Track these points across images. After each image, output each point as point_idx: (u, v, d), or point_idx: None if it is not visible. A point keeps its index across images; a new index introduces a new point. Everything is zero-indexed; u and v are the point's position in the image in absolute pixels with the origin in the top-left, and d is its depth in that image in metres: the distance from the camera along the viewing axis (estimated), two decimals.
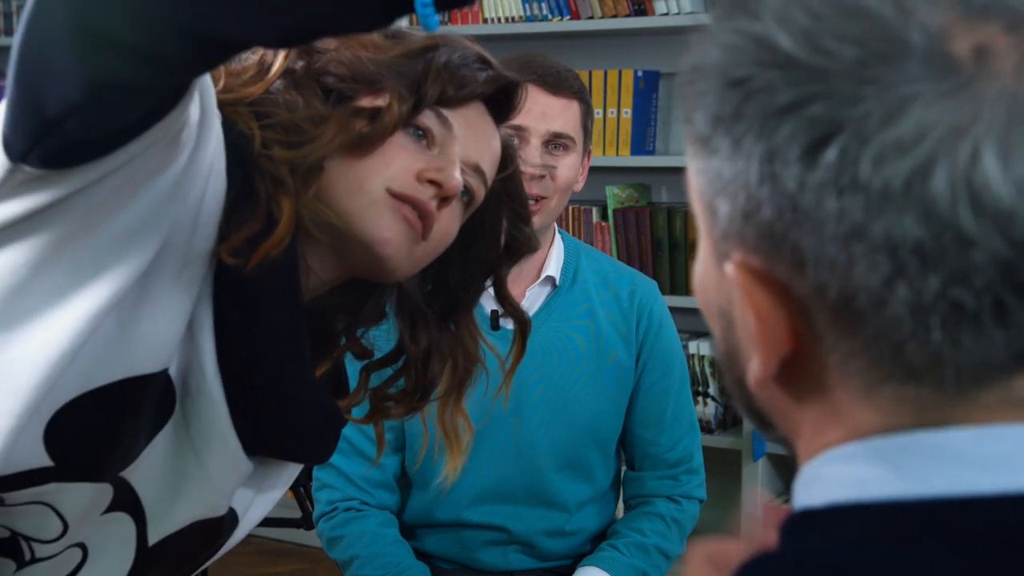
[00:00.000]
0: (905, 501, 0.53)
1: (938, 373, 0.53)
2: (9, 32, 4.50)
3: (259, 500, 1.24)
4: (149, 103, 0.85)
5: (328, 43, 1.13)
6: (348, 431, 1.99)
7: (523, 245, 1.27)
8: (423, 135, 1.11)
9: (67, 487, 1.04)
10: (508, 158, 1.23)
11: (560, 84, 1.98)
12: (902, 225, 0.50)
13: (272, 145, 1.05)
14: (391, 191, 1.08)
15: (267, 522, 3.00)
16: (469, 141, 1.14)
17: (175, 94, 0.87)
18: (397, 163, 1.08)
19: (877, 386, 0.55)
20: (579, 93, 2.01)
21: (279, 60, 1.10)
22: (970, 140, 0.50)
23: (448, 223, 1.13)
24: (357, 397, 1.24)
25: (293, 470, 1.26)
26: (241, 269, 1.00)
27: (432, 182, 1.09)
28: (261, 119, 1.06)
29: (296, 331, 1.08)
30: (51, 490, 1.04)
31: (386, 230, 1.08)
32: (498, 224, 1.24)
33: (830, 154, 0.52)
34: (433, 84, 1.11)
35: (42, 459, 1.00)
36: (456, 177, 1.11)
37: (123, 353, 0.99)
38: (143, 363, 1.00)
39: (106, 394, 0.99)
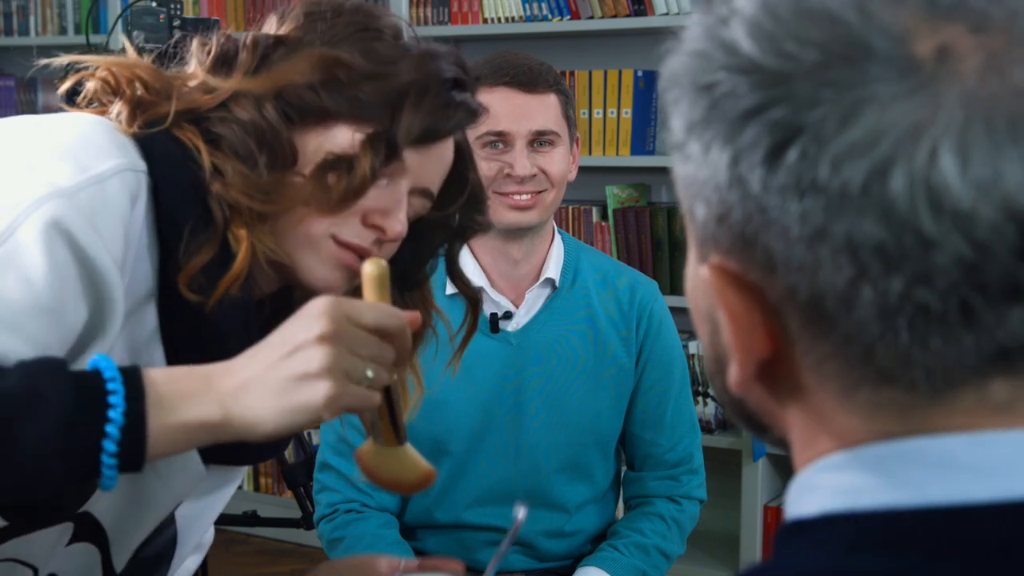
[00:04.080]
0: (898, 510, 0.53)
1: (909, 375, 0.53)
2: (9, 32, 4.50)
3: (211, 503, 1.24)
4: None
5: (288, 30, 1.10)
6: (348, 433, 1.99)
7: (472, 232, 1.25)
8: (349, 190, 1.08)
9: (27, 538, 1.04)
10: (463, 159, 1.20)
11: (535, 81, 1.96)
12: (862, 226, 0.51)
13: (235, 193, 1.03)
14: (337, 239, 1.07)
15: (267, 522, 3.00)
16: (422, 170, 1.12)
17: None
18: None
19: (853, 389, 0.55)
20: (555, 85, 2.00)
21: (237, 74, 1.08)
22: (928, 140, 0.50)
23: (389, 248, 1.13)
24: None
25: (242, 469, 1.26)
26: (197, 304, 0.99)
27: (376, 226, 1.08)
28: (217, 148, 1.04)
29: (247, 342, 1.05)
30: (12, 545, 1.03)
31: (327, 277, 1.08)
32: (451, 214, 1.22)
33: (791, 157, 0.52)
34: (407, 134, 1.08)
35: None
36: (400, 222, 1.10)
37: None
38: None
39: None
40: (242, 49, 1.09)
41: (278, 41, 1.10)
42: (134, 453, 0.90)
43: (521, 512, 1.29)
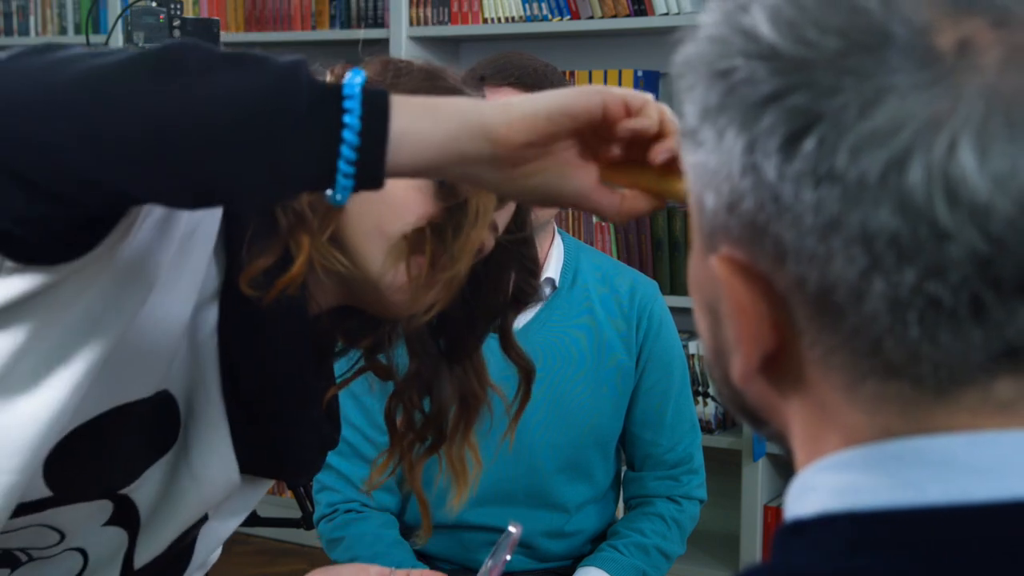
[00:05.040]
0: (897, 510, 0.53)
1: (916, 370, 0.53)
2: (9, 32, 4.50)
3: (228, 522, 1.25)
4: (57, 231, 0.85)
5: (370, 73, 1.12)
6: (348, 433, 1.99)
7: (528, 296, 1.27)
8: (444, 183, 1.09)
9: (64, 509, 1.05)
10: (521, 220, 1.22)
11: (540, 83, 1.96)
12: (878, 217, 0.50)
13: None
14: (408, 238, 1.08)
15: (267, 522, 3.01)
16: (488, 199, 1.11)
17: (93, 222, 0.86)
18: (417, 212, 1.07)
19: (859, 382, 0.55)
20: (559, 87, 1.99)
21: None
22: (947, 132, 0.49)
23: None
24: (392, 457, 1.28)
25: (265, 487, 1.27)
26: (254, 299, 1.00)
27: None
28: None
29: (302, 355, 1.09)
30: (49, 514, 1.05)
31: (400, 275, 1.08)
32: (506, 273, 1.23)
33: (808, 144, 0.52)
34: None
35: (42, 491, 1.01)
36: (491, 239, 1.12)
37: (112, 388, 1.00)
38: (131, 392, 1.02)
39: (97, 424, 1.00)
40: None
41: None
42: (377, 131, 0.80)
43: (515, 529, 1.30)
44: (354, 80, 0.81)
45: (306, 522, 2.78)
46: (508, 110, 0.83)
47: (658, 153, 0.86)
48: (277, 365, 1.08)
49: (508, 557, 1.32)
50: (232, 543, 1.31)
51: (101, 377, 0.96)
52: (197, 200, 0.85)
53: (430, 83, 1.13)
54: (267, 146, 0.79)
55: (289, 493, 3.00)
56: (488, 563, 1.32)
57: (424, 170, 0.84)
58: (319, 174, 0.81)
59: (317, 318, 1.13)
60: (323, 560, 2.10)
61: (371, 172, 0.81)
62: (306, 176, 0.81)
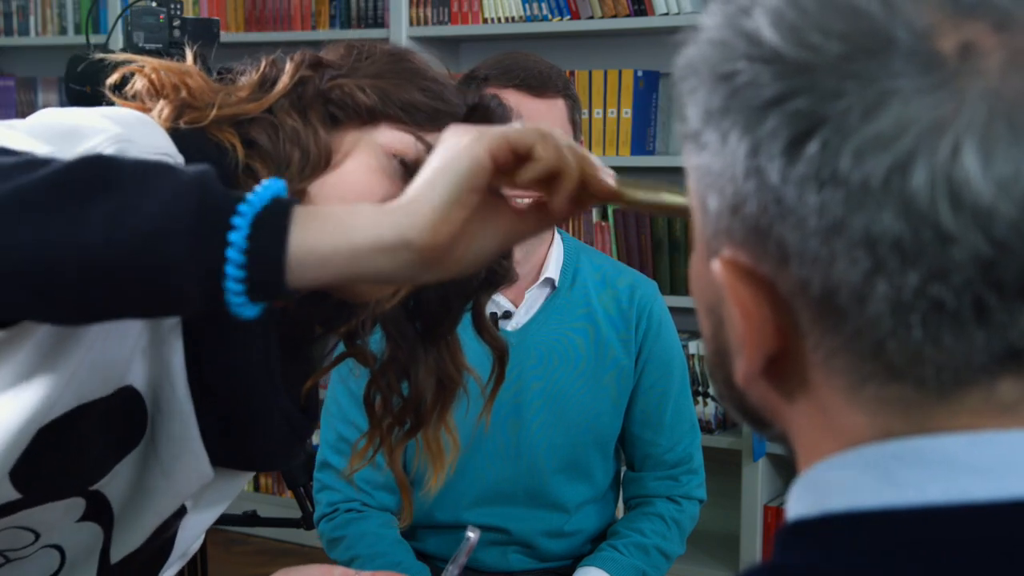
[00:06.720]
0: (898, 509, 0.53)
1: (919, 372, 0.53)
2: (9, 32, 4.50)
3: (207, 513, 1.24)
4: None
5: (333, 57, 1.12)
6: (348, 432, 1.99)
7: (501, 276, 1.26)
8: (409, 164, 1.08)
9: (36, 509, 1.05)
10: None
11: (544, 85, 1.95)
12: (881, 220, 0.51)
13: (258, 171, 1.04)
14: None
15: (267, 522, 3.00)
16: None
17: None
18: (381, 194, 1.06)
19: (860, 385, 0.55)
20: (564, 90, 1.99)
21: (283, 80, 1.09)
22: (951, 136, 0.50)
23: None
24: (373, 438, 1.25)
25: (244, 479, 1.26)
26: None
27: None
28: (248, 145, 1.05)
29: (267, 344, 1.08)
30: (21, 516, 1.04)
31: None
32: None
33: (811, 148, 0.52)
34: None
35: (10, 494, 1.01)
36: None
37: (74, 388, 0.99)
38: (94, 390, 1.01)
39: (60, 425, 1.00)
40: (287, 67, 1.11)
41: (323, 63, 1.11)
42: (268, 249, 0.79)
43: (473, 534, 1.31)
44: (258, 195, 0.80)
45: (306, 522, 2.77)
46: (420, 215, 0.81)
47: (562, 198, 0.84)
48: (242, 355, 1.07)
49: (464, 560, 1.34)
50: (232, 543, 1.31)
51: (69, 379, 0.96)
52: (87, 323, 0.89)
53: (394, 65, 1.12)
54: (148, 279, 0.79)
55: (289, 493, 3.00)
56: (449, 567, 1.33)
57: (339, 280, 0.83)
58: (205, 295, 0.80)
59: (286, 307, 1.13)
60: (323, 560, 2.10)
61: (268, 290, 0.80)
62: (191, 299, 0.80)
